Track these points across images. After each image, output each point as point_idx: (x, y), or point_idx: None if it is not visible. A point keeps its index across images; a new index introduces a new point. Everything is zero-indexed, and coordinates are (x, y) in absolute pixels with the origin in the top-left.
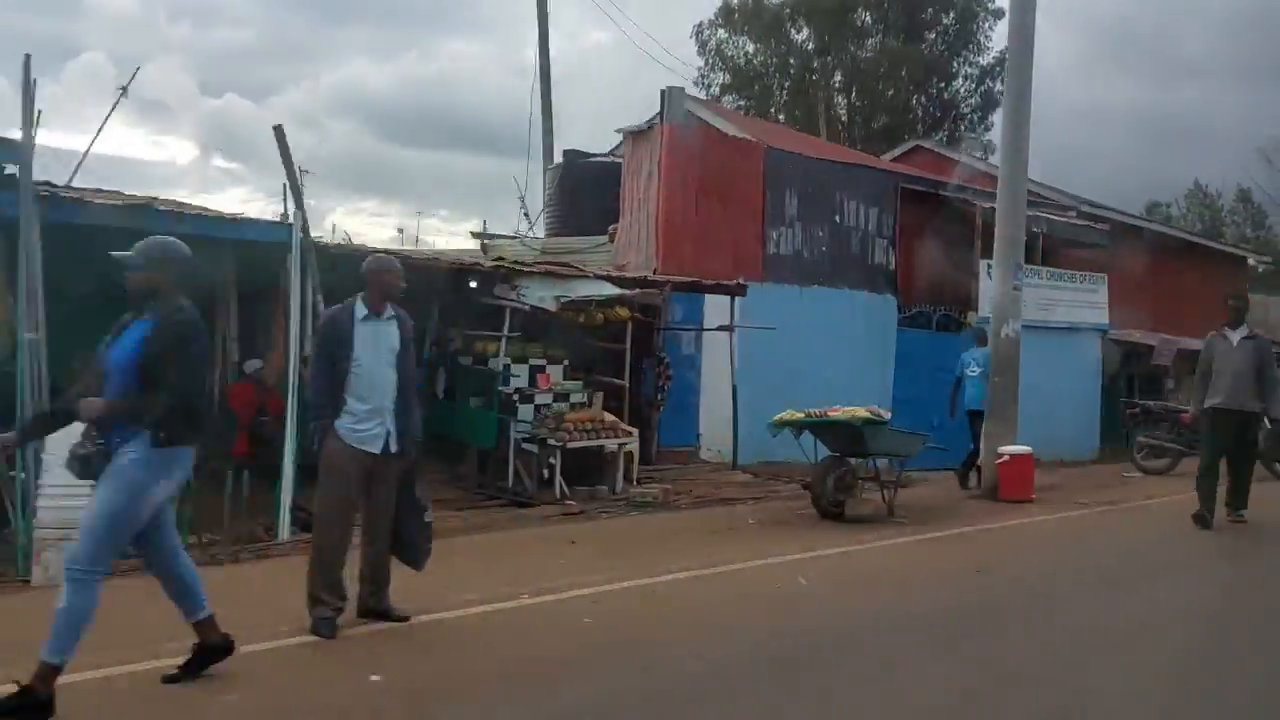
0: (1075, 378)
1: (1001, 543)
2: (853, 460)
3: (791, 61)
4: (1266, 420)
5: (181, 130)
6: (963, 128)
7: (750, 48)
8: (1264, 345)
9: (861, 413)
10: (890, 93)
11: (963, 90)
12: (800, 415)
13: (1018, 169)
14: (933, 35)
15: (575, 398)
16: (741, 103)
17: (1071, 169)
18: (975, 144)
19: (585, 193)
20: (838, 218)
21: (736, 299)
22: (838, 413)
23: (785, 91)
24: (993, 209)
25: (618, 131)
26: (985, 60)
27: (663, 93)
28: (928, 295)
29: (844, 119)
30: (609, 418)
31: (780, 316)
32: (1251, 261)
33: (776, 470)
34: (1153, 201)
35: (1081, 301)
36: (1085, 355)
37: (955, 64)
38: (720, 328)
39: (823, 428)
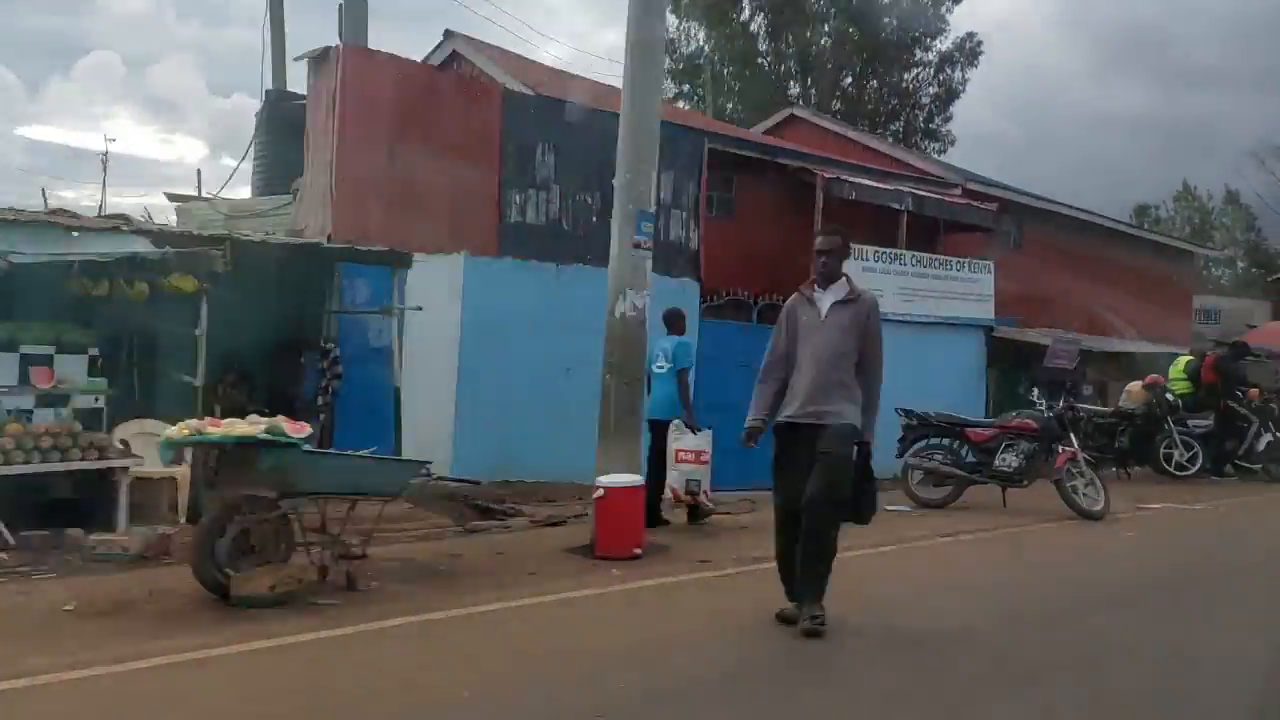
0: (953, 382)
1: (411, 655)
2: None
3: (735, 44)
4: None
5: (190, 128)
6: (921, 118)
7: (701, 36)
8: (867, 311)
9: (243, 428)
10: (846, 80)
11: (921, 78)
12: (188, 432)
13: (646, 91)
14: (889, 20)
15: (81, 401)
16: (685, 88)
17: (1079, 175)
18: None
19: (294, 141)
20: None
21: (404, 273)
22: (219, 428)
23: (737, 80)
24: (839, 179)
25: (297, 59)
26: (944, 45)
27: (341, 6)
28: (749, 279)
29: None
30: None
31: (527, 300)
32: (1223, 258)
33: (507, 493)
34: (1141, 204)
35: (959, 292)
36: (965, 355)
37: (917, 51)
38: (379, 310)
39: (218, 454)
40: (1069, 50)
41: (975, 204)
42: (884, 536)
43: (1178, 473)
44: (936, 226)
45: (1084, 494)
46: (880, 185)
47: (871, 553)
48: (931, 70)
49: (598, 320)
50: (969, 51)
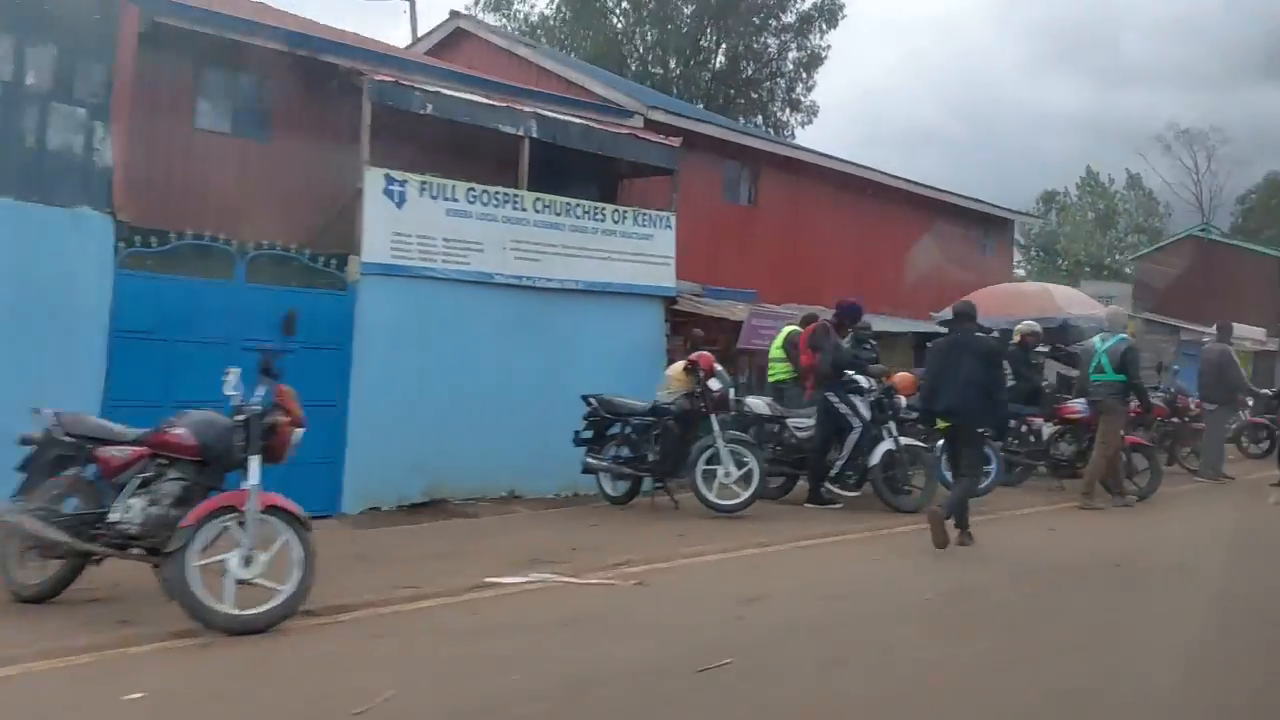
0: (614, 365)
1: None
2: None
3: (581, 4)
4: None
5: None
6: (783, 85)
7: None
8: None
9: None
10: (701, 41)
11: (784, 42)
12: None
13: None
14: None
15: None
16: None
17: (1016, 167)
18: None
19: None
20: None
21: None
22: None
23: (586, 42)
24: (401, 86)
25: None
26: (803, 6)
27: None
28: (282, 223)
29: (660, 74)
30: None
31: None
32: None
33: None
34: (1049, 190)
35: (622, 251)
36: (634, 332)
37: (780, 14)
38: None
39: None
40: (1006, 47)
41: (644, 137)
42: None
43: (720, 502)
44: (617, 169)
45: (237, 575)
46: (479, 100)
47: None
48: (792, 35)
49: None
50: (828, 12)
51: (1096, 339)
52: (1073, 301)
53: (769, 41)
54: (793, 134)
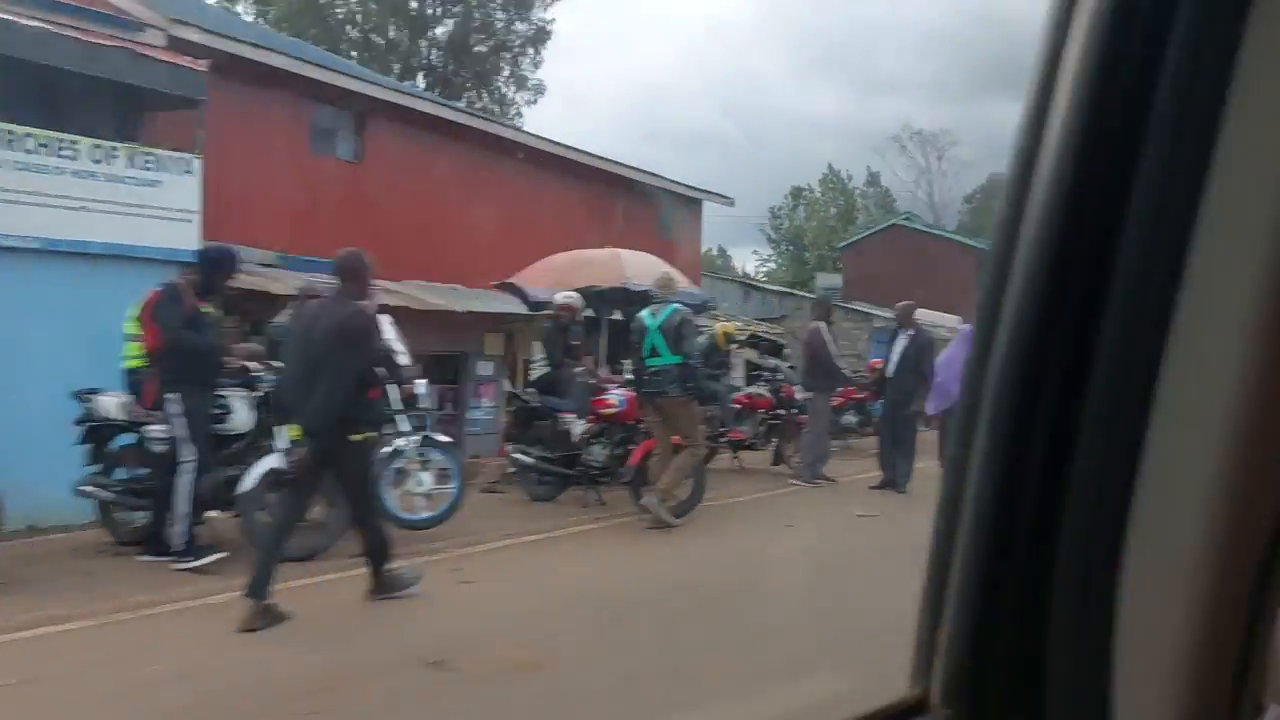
0: (107, 358)
1: None
2: None
3: None
4: None
5: None
6: (509, 59)
7: None
8: None
9: None
10: (426, 9)
11: (510, 16)
12: None
13: None
14: None
15: None
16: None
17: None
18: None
19: None
20: None
21: None
22: None
23: (290, 5)
24: None
25: None
26: None
27: None
28: None
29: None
30: None
31: None
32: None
33: None
34: (796, 186)
35: (107, 201)
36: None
37: None
38: None
39: None
40: (776, 53)
41: (145, 54)
42: None
43: None
44: (140, 101)
45: None
46: None
47: None
48: (516, 6)
49: None
50: None
51: (645, 313)
52: (641, 268)
53: (497, 15)
54: (519, 113)
